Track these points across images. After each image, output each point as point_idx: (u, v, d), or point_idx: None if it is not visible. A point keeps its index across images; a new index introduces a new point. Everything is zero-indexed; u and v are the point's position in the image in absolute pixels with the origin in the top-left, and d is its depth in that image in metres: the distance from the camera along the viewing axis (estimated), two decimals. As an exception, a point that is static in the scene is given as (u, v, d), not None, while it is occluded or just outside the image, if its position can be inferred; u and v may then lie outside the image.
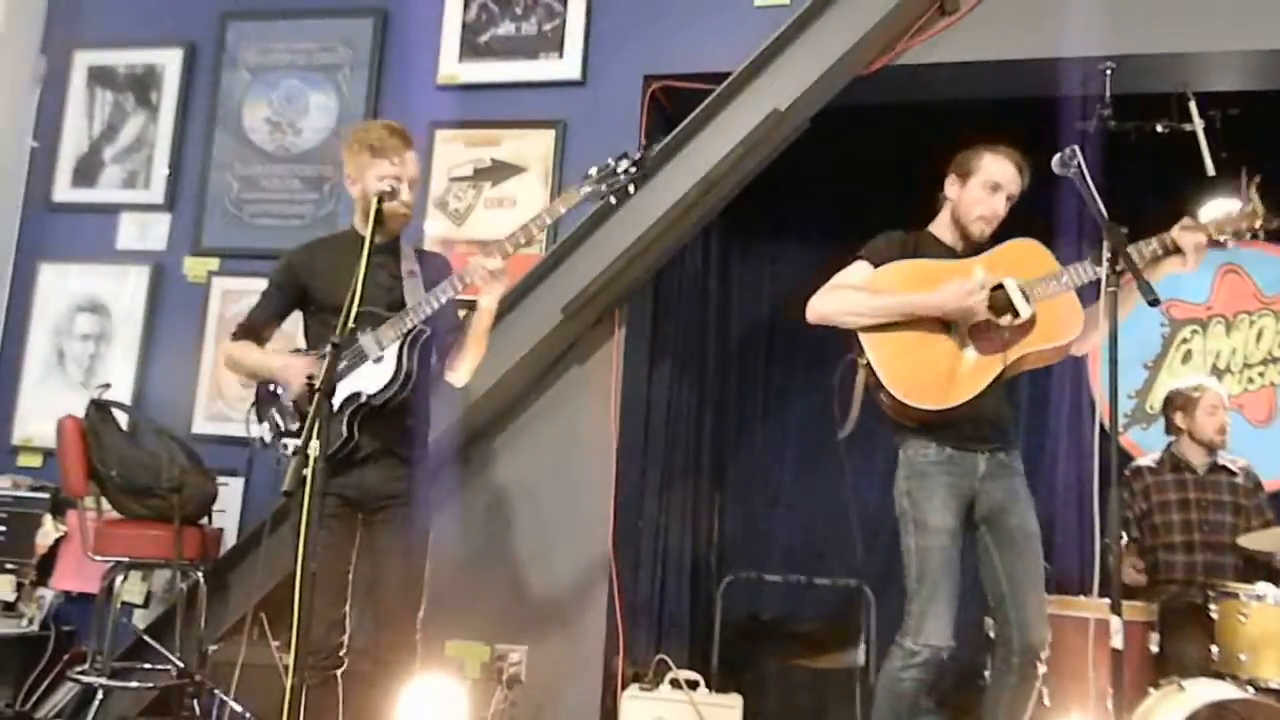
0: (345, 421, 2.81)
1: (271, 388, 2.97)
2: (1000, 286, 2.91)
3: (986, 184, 3.01)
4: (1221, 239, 2.82)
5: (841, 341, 3.07)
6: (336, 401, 2.74)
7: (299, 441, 2.46)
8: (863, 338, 2.96)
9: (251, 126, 4.65)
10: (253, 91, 4.67)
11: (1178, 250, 2.79)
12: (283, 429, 2.92)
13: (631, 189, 2.89)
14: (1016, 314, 2.90)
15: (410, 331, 2.84)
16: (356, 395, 2.82)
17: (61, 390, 4.58)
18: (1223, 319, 4.90)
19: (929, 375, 2.91)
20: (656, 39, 4.20)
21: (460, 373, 3.04)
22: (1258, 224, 2.79)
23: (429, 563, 2.97)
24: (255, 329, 3.05)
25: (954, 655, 2.90)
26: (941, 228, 3.11)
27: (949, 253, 3.06)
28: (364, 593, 2.90)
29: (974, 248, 3.05)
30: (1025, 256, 2.97)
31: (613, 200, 2.92)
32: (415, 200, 3.00)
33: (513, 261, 4.06)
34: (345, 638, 2.84)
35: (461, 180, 4.32)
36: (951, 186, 3.09)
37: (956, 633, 2.92)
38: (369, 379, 2.83)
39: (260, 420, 2.98)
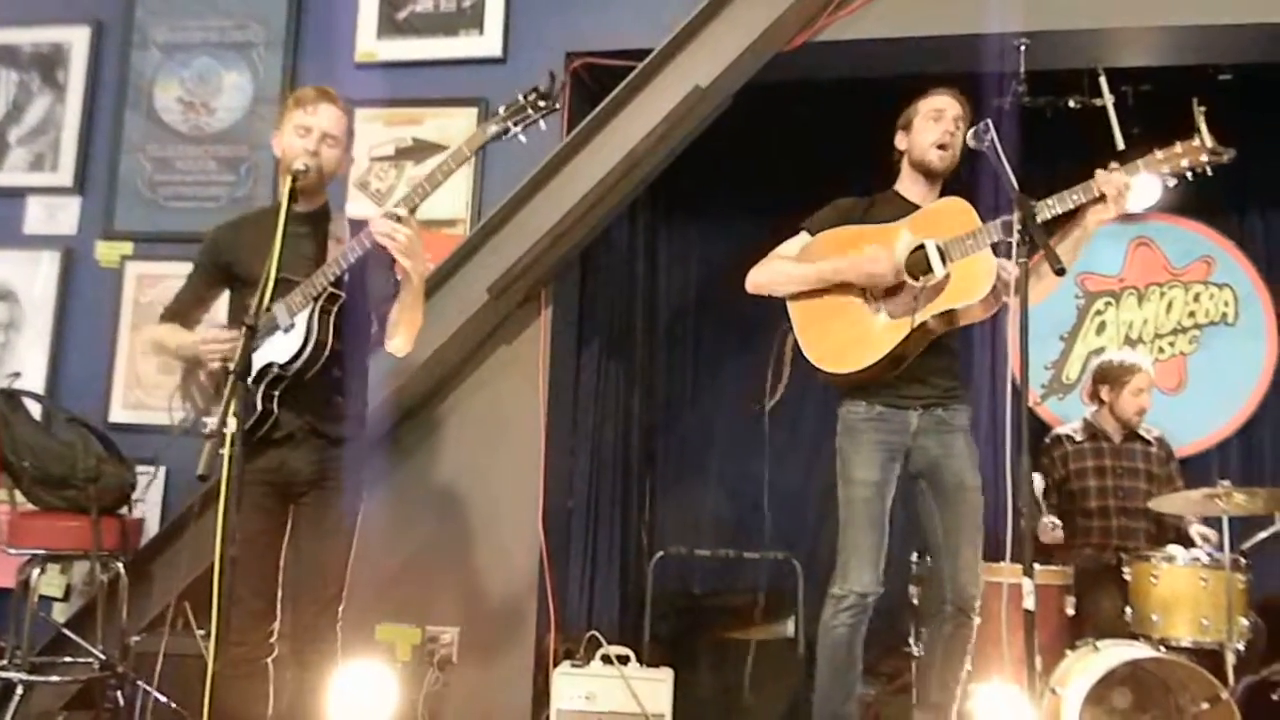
0: (261, 395, 2.69)
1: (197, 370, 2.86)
2: (921, 247, 2.96)
3: (928, 116, 3.09)
4: (1166, 173, 2.79)
5: (769, 317, 3.13)
6: (250, 375, 2.61)
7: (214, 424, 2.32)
8: (788, 305, 3.09)
9: (164, 106, 4.53)
10: (164, 70, 4.55)
11: (1101, 198, 2.80)
12: (201, 409, 2.82)
13: (543, 124, 2.74)
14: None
15: (320, 296, 2.70)
16: (269, 367, 2.70)
17: (-30, 381, 4.45)
18: (1135, 290, 5.03)
19: (840, 339, 3.01)
20: (578, 16, 4.17)
21: (397, 340, 2.86)
22: (1204, 157, 2.75)
23: (357, 546, 2.86)
24: (180, 311, 2.93)
25: (881, 622, 2.99)
26: (905, 184, 3.17)
27: (909, 208, 3.09)
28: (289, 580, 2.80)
29: (943, 191, 3.11)
30: (951, 216, 3.00)
31: (522, 139, 2.73)
32: (335, 163, 2.85)
33: (437, 241, 4.09)
34: (274, 626, 2.76)
35: (383, 160, 4.27)
36: (900, 140, 3.17)
37: (882, 600, 3.01)
38: (280, 348, 2.70)
39: (184, 400, 2.88)
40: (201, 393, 2.85)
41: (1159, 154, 2.80)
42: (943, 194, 3.12)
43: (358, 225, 2.86)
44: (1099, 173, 2.80)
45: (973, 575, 3.02)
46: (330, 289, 2.71)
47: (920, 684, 3.18)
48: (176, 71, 4.54)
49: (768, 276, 3.12)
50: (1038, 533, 3.80)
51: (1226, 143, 2.81)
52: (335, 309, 2.75)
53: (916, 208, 3.09)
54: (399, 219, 2.65)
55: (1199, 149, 2.76)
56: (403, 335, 2.85)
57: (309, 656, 2.76)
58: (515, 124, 2.71)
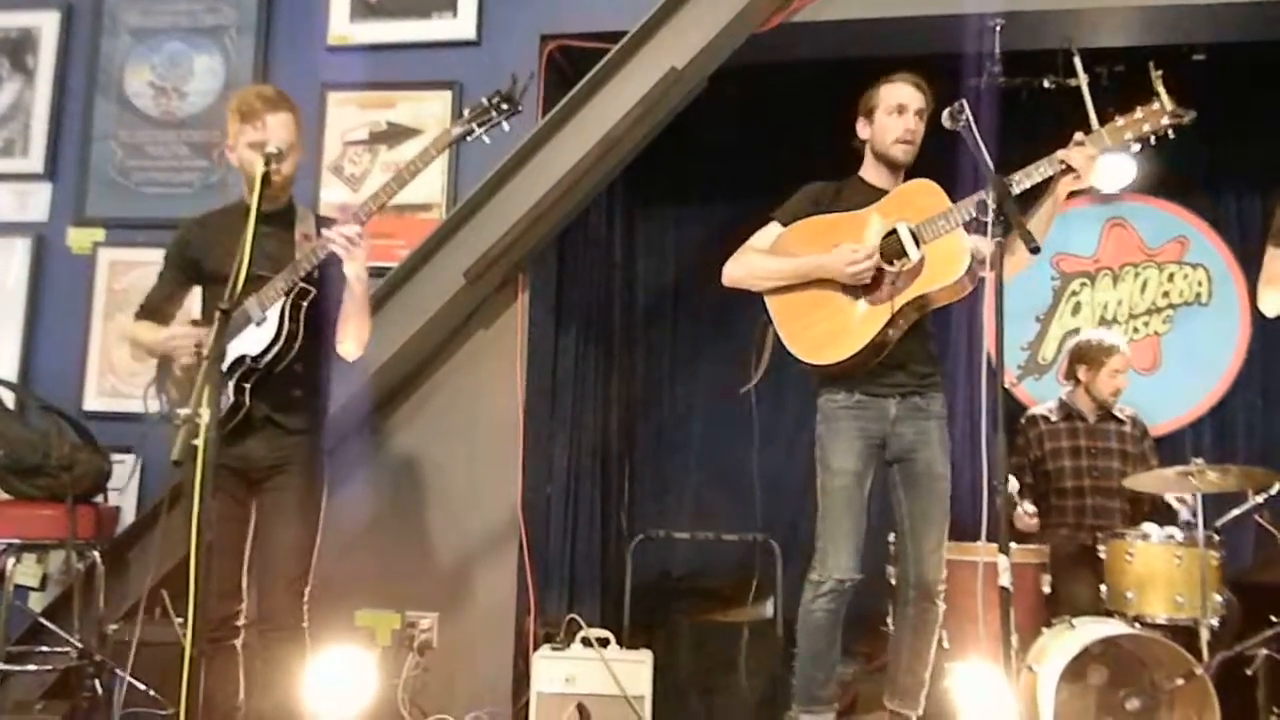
0: (233, 386, 2.76)
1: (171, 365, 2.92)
2: (893, 232, 2.96)
3: (890, 109, 3.09)
4: (1129, 139, 2.82)
5: (747, 301, 3.14)
6: (224, 366, 2.66)
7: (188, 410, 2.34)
8: (766, 299, 3.09)
9: (135, 91, 4.48)
10: (135, 55, 4.49)
11: (1069, 169, 2.82)
12: (175, 402, 2.86)
13: (505, 125, 2.83)
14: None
15: (292, 290, 2.77)
16: (241, 359, 2.78)
17: (-59, 370, 4.39)
18: (1110, 271, 5.07)
19: (821, 331, 3.02)
20: (552, -3, 4.15)
21: (348, 344, 2.92)
22: (1164, 120, 2.76)
23: (336, 532, 2.91)
24: (155, 308, 2.99)
25: (858, 602, 3.01)
26: (869, 170, 3.18)
27: (876, 194, 3.09)
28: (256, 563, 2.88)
29: (920, 173, 3.10)
30: (920, 197, 3.01)
31: (485, 139, 2.84)
32: (293, 166, 2.87)
33: (412, 226, 4.07)
34: (240, 607, 2.83)
35: (356, 144, 4.23)
36: (863, 128, 3.16)
37: (860, 581, 3.02)
38: (252, 341, 2.78)
39: (159, 393, 2.94)
40: (176, 386, 2.90)
41: (1120, 120, 2.82)
42: (918, 175, 3.11)
43: (324, 221, 2.93)
44: (1060, 151, 2.82)
45: (936, 561, 3.04)
46: (301, 284, 2.79)
47: (890, 667, 3.21)
48: (147, 56, 4.48)
49: (745, 270, 3.12)
50: (1014, 521, 3.83)
51: (1199, 122, 2.83)
52: (305, 303, 2.83)
53: (884, 193, 3.09)
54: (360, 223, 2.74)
55: (1159, 112, 2.78)
56: (352, 340, 2.91)
57: (275, 635, 2.81)
58: (479, 125, 2.82)
